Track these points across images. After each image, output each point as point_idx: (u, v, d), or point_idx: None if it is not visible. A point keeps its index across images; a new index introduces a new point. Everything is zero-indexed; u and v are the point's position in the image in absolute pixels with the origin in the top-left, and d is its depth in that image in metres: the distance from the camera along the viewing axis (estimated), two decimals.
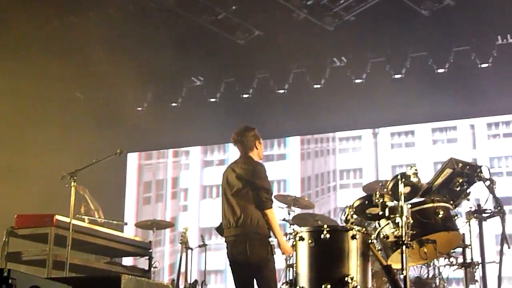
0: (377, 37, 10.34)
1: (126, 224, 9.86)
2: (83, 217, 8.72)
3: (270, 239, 6.25)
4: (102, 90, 11.47)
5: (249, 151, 6.61)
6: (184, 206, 12.49)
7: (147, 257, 8.17)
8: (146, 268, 8.13)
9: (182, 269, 8.98)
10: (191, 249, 9.07)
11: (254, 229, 6.23)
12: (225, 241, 6.47)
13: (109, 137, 11.12)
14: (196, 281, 8.97)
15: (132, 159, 12.96)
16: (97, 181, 9.79)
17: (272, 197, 6.51)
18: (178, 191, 12.64)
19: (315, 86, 11.27)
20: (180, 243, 9.07)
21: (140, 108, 12.31)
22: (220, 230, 6.56)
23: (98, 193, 9.96)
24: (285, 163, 11.98)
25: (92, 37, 10.41)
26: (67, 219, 6.73)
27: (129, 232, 10.23)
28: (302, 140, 12.05)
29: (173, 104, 12.17)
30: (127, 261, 9.75)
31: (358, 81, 11.04)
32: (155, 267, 8.49)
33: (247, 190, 6.36)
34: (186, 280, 8.86)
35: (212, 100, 11.92)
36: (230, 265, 6.44)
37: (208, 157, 12.61)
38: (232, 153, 11.98)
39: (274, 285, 6.17)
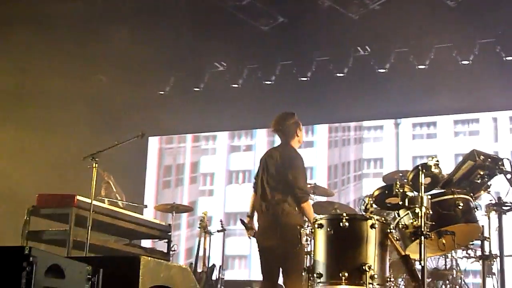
0: (402, 26, 10.25)
1: (146, 206, 9.93)
2: (104, 199, 8.78)
3: (300, 228, 6.21)
4: (125, 73, 11.50)
5: (290, 139, 6.63)
6: (210, 191, 12.49)
7: (166, 240, 8.19)
8: (165, 251, 8.16)
9: (201, 253, 9.02)
10: (210, 233, 9.11)
11: (284, 219, 6.28)
12: (258, 226, 6.53)
13: (131, 119, 11.16)
14: (213, 265, 9.02)
15: (153, 143, 13.01)
16: (118, 164, 9.82)
17: (307, 189, 6.59)
18: (197, 176, 12.66)
19: (338, 74, 11.23)
20: (199, 227, 9.13)
21: (162, 92, 12.34)
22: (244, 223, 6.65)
23: (118, 176, 10.00)
24: (312, 151, 11.92)
25: (117, 20, 10.44)
26: (87, 200, 6.77)
27: (148, 215, 10.29)
28: (330, 128, 12.00)
29: (196, 89, 12.19)
30: (146, 243, 9.81)
31: (381, 70, 11.00)
32: (174, 250, 8.51)
33: (281, 182, 6.42)
34: (204, 264, 8.91)
35: (235, 86, 11.92)
36: (258, 250, 6.50)
37: (236, 142, 12.61)
38: (260, 139, 12.08)
39: (300, 274, 6.03)
